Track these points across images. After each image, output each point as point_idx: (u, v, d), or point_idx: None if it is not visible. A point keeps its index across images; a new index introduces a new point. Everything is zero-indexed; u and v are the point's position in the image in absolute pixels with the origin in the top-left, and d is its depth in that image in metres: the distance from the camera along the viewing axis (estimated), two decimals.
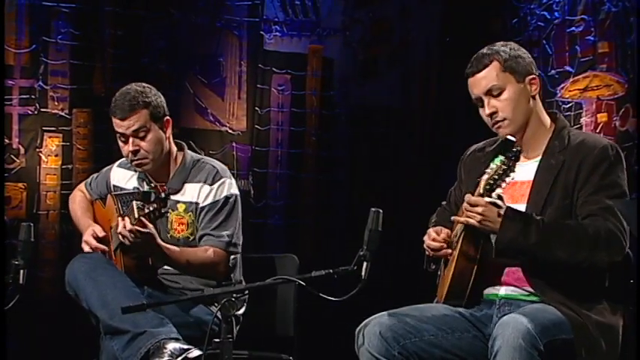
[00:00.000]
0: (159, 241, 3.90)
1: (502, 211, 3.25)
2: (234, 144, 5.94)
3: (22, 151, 5.56)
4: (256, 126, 5.97)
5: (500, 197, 3.29)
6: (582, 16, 5.30)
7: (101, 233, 4.13)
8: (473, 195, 3.33)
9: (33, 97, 5.58)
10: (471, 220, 3.29)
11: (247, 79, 5.96)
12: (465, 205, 3.32)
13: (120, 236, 3.85)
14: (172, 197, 4.06)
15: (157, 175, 4.18)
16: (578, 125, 5.22)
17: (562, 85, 5.35)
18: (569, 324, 3.22)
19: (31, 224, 3.86)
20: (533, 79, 3.45)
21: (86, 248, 4.11)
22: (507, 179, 3.25)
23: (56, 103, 5.62)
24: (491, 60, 3.44)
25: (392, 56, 6.18)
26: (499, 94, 3.43)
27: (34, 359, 5.37)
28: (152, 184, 4.13)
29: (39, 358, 5.39)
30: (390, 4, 6.17)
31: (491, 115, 3.45)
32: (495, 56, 3.44)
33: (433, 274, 3.60)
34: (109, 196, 4.21)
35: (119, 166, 4.34)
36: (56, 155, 5.64)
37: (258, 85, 5.98)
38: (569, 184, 3.34)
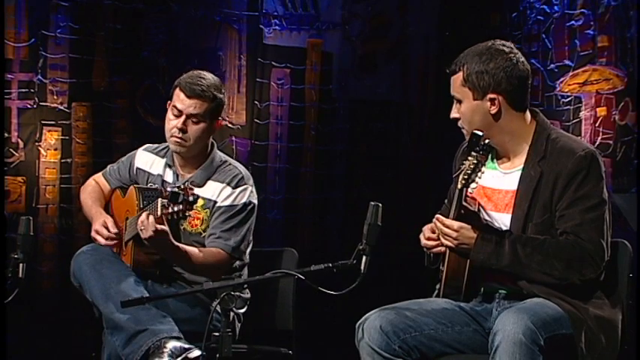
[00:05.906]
0: (172, 240, 3.89)
1: (476, 232, 3.32)
2: (233, 138, 5.93)
3: (21, 144, 5.55)
4: (255, 120, 5.96)
5: (480, 209, 3.39)
6: (582, 10, 5.29)
7: (112, 227, 4.10)
8: (452, 200, 3.38)
9: (32, 90, 5.56)
10: (447, 243, 3.37)
11: (247, 73, 5.95)
12: (439, 226, 3.38)
13: (139, 227, 3.83)
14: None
15: (184, 165, 4.17)
16: (577, 119, 5.22)
17: (561, 79, 5.35)
18: (569, 319, 3.22)
19: (30, 218, 3.87)
20: (494, 99, 3.39)
21: (97, 238, 4.08)
22: (479, 173, 3.31)
23: (55, 97, 5.61)
24: (459, 69, 3.44)
25: (391, 50, 6.17)
26: (460, 103, 3.46)
27: (34, 353, 5.37)
28: (179, 184, 4.06)
29: (39, 351, 5.40)
30: None
31: (455, 118, 3.50)
32: (463, 67, 3.42)
33: (434, 268, 3.60)
34: (131, 187, 4.18)
35: (145, 149, 4.33)
36: (55, 149, 5.62)
37: (258, 79, 5.97)
38: (547, 199, 3.35)
